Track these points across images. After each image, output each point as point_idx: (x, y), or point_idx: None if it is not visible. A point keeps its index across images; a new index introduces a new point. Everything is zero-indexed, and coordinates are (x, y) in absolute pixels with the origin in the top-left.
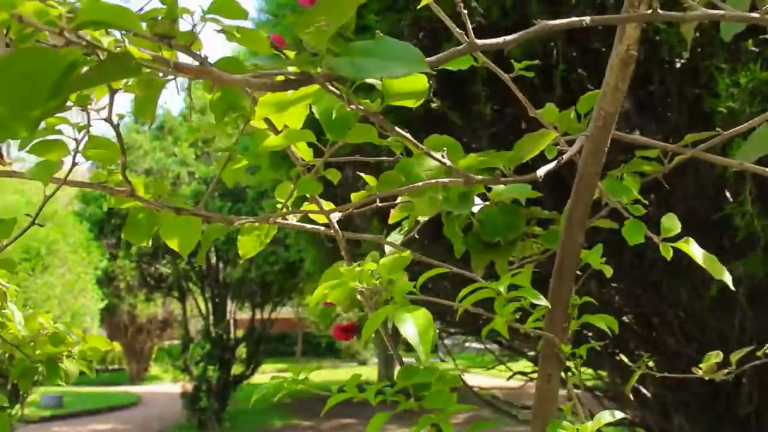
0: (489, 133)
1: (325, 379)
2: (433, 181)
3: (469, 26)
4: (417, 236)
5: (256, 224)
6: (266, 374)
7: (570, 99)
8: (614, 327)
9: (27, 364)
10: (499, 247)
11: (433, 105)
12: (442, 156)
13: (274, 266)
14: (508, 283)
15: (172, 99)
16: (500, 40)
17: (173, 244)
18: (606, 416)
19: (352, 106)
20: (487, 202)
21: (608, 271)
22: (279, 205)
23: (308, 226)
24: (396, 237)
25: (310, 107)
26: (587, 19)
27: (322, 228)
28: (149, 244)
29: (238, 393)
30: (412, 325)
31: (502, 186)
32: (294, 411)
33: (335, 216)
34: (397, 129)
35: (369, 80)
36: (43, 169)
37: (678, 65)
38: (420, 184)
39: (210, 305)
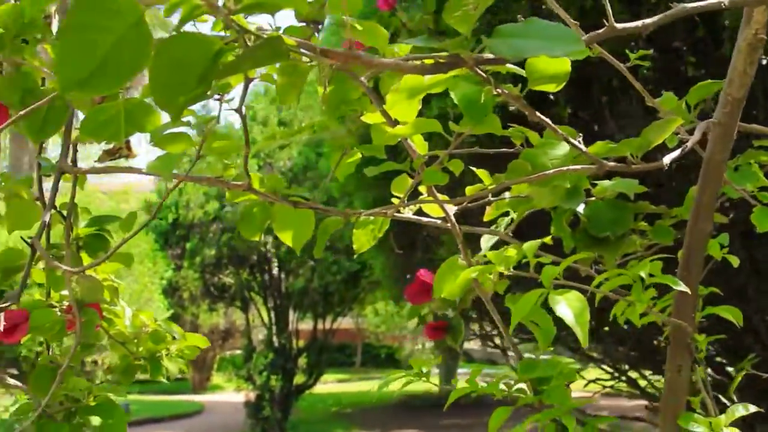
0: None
1: (386, 390)
2: (565, 168)
3: (609, 10)
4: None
5: (371, 218)
6: (327, 384)
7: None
8: (739, 319)
9: (130, 360)
10: (608, 242)
11: (511, 108)
12: (579, 142)
13: (336, 276)
14: (647, 269)
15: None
16: (639, 23)
17: (286, 238)
18: (740, 410)
19: (497, 91)
20: (592, 198)
21: (735, 261)
22: (395, 200)
23: (425, 219)
24: (491, 235)
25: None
26: (726, 0)
27: (439, 221)
28: (260, 238)
29: (301, 402)
30: (567, 306)
31: (607, 181)
32: (355, 421)
33: (452, 209)
34: (539, 114)
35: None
36: (164, 163)
37: None
38: (550, 171)
39: (272, 315)
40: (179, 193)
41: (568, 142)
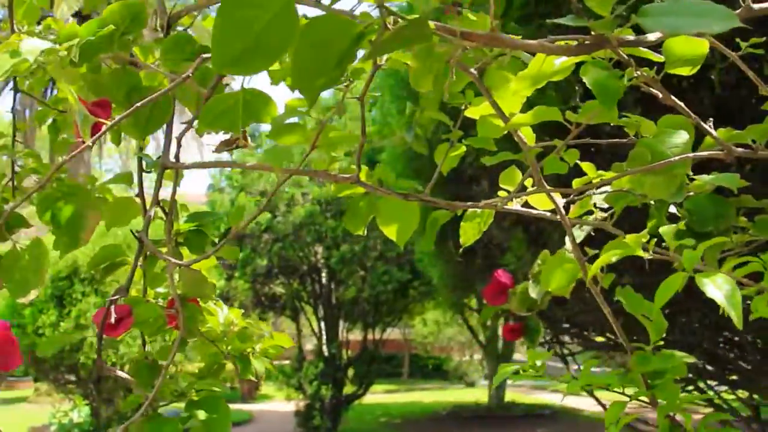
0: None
1: (434, 400)
2: (692, 154)
3: None
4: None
5: (478, 211)
6: (375, 395)
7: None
8: None
9: (219, 359)
10: (711, 237)
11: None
12: (709, 126)
13: (387, 285)
14: None
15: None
16: None
17: (390, 232)
18: None
19: (637, 74)
20: (690, 192)
21: None
22: (502, 193)
23: (533, 211)
24: (577, 233)
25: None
26: None
27: (548, 214)
28: (364, 232)
29: (350, 412)
30: (715, 288)
31: (705, 175)
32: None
33: (561, 201)
34: (673, 98)
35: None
36: (277, 155)
37: None
38: (675, 158)
39: (322, 325)
40: (231, 204)
41: (701, 127)
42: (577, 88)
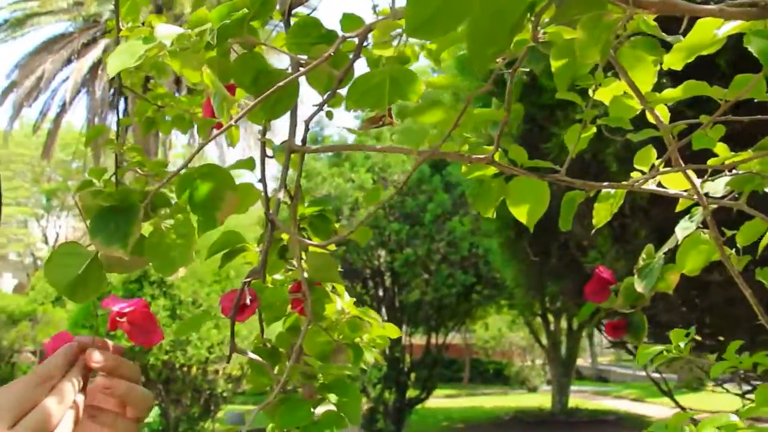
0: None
1: (496, 405)
2: None
3: None
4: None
5: (611, 191)
6: (437, 399)
7: None
8: None
9: (329, 348)
10: None
11: None
12: None
13: (451, 289)
14: None
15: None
16: None
17: (520, 214)
18: None
19: None
20: None
21: None
22: (636, 174)
23: (671, 191)
24: (687, 225)
25: None
26: None
27: (684, 194)
28: (494, 214)
29: (412, 416)
30: None
31: None
32: None
33: (697, 181)
34: None
35: None
36: (412, 135)
37: None
38: None
39: None
40: None
41: None
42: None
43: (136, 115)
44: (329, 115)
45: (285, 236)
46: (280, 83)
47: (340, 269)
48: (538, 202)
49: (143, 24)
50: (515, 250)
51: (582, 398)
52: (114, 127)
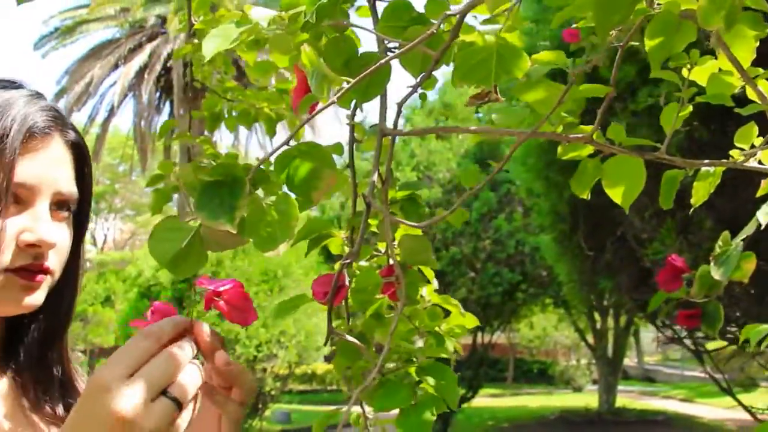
0: None
1: (541, 405)
2: None
3: None
4: None
5: (711, 169)
6: (482, 398)
7: None
8: None
9: (412, 335)
10: None
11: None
12: None
13: (497, 287)
14: None
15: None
16: None
17: (615, 195)
18: None
19: None
20: None
21: None
22: (735, 153)
23: None
24: None
25: None
26: None
27: None
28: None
29: (459, 415)
30: None
31: None
32: None
33: None
34: None
35: None
36: (512, 115)
37: None
38: None
39: None
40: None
41: None
42: None
43: (205, 109)
44: (423, 96)
45: (373, 222)
46: (373, 66)
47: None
48: (634, 183)
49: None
50: (568, 244)
51: (629, 398)
52: (156, 130)
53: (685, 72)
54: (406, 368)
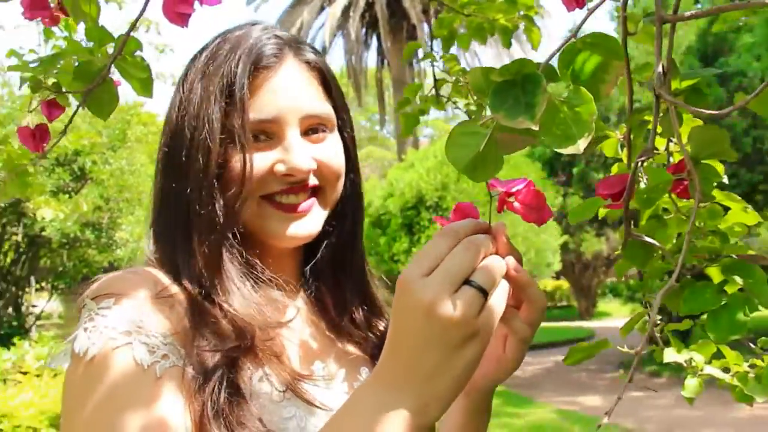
0: None
1: None
2: None
3: None
4: None
5: None
6: None
7: None
8: None
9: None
10: None
11: None
12: None
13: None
14: None
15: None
16: None
17: None
18: None
19: None
20: None
21: None
22: None
23: None
24: None
25: None
26: None
27: None
28: None
29: None
30: None
31: None
32: None
33: None
34: None
35: None
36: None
37: None
38: None
39: None
40: None
41: None
42: None
43: (437, 31)
44: None
45: (648, 116)
46: None
47: None
48: None
49: None
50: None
51: None
52: (367, 65)
53: None
54: (707, 267)
